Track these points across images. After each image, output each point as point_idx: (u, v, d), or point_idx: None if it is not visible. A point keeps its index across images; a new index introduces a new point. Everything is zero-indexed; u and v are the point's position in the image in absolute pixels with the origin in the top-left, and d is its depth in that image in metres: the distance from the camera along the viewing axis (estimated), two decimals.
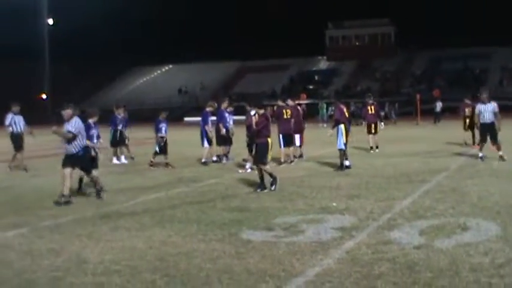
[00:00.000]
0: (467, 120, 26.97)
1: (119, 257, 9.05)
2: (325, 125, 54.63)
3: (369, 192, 14.44)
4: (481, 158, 20.13)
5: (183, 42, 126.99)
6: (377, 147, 25.64)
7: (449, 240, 9.37)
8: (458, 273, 7.70)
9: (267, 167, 15.40)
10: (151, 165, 21.44)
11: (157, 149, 21.58)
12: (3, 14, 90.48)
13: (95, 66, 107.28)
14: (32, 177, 20.30)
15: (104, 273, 8.25)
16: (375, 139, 25.87)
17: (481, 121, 20.27)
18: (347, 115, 19.63)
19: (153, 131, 22.09)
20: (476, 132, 22.70)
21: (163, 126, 21.72)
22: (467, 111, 27.14)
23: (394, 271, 7.86)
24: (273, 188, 15.04)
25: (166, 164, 21.48)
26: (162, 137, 21.52)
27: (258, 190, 15.02)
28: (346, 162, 19.17)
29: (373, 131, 25.82)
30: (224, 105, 22.92)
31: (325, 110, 65.03)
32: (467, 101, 28.03)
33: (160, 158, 21.77)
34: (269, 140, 15.48)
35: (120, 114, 24.63)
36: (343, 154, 19.28)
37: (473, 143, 24.92)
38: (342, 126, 19.11)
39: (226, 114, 22.66)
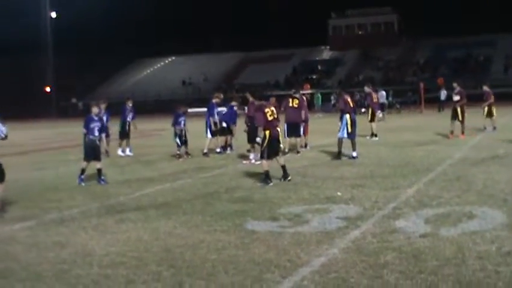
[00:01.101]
0: (487, 108, 28.51)
1: (125, 249, 9.06)
2: (320, 115, 54.69)
3: (374, 181, 14.44)
4: None
5: (186, 34, 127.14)
6: (376, 135, 25.94)
7: (455, 228, 9.36)
8: (465, 261, 7.69)
9: (263, 162, 14.91)
10: (179, 158, 21.36)
11: (178, 141, 21.52)
12: (6, 7, 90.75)
13: (98, 58, 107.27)
14: (36, 170, 20.31)
15: (109, 265, 8.26)
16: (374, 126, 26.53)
17: None
18: (351, 105, 19.55)
19: (172, 123, 21.94)
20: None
21: (182, 119, 21.68)
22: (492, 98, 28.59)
23: (400, 260, 7.85)
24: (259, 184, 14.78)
25: (187, 154, 21.62)
26: (181, 130, 21.49)
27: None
28: (354, 153, 19.11)
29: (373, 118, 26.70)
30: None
31: (320, 100, 65.24)
32: (488, 89, 29.09)
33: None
34: (267, 132, 14.90)
35: (129, 105, 24.48)
36: (341, 143, 19.27)
37: (451, 132, 25.13)
38: (347, 115, 19.06)
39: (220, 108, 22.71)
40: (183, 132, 21.55)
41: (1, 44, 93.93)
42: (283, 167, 15.03)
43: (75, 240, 9.78)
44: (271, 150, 14.83)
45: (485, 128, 28.07)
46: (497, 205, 11.01)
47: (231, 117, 22.58)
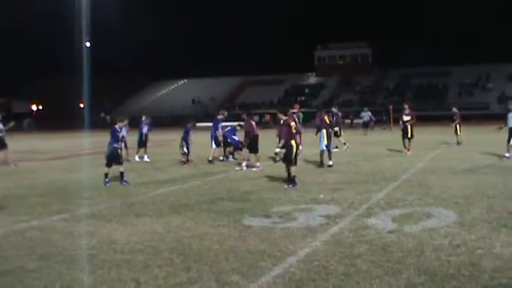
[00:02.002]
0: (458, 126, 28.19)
1: (143, 238, 9.08)
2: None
3: (351, 186, 14.45)
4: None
5: (197, 61, 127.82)
6: (337, 147, 25.66)
7: (416, 225, 9.40)
8: (423, 252, 7.74)
9: (292, 168, 14.75)
10: (184, 164, 21.28)
11: (185, 150, 21.37)
12: (52, 35, 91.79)
13: (123, 80, 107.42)
14: (70, 172, 20.30)
15: (130, 251, 8.28)
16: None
17: (510, 125, 20.18)
18: (328, 122, 19.60)
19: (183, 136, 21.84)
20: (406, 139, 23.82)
21: (190, 132, 21.64)
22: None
23: (371, 251, 7.89)
24: (290, 186, 14.52)
25: (188, 161, 21.43)
26: (187, 141, 21.45)
27: (289, 186, 14.54)
28: (330, 162, 19.15)
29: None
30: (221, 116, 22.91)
31: (301, 118, 64.82)
32: (456, 110, 28.90)
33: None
34: (293, 142, 14.81)
35: (145, 120, 24.50)
36: (322, 154, 19.29)
37: (405, 147, 23.91)
38: (323, 131, 19.16)
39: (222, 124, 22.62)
40: (189, 142, 21.55)
41: (45, 68, 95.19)
42: (289, 174, 14.84)
43: (102, 230, 9.80)
44: (296, 158, 14.84)
45: (459, 143, 27.80)
46: (450, 206, 11.06)
47: (232, 133, 22.46)
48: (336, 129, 24.96)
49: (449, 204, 11.32)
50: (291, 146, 14.77)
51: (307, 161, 20.65)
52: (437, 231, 8.95)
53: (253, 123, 20.04)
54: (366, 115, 49.56)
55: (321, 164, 19.21)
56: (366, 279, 6.73)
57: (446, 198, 12.12)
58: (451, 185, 13.98)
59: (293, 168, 14.73)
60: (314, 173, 17.66)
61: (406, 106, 24.85)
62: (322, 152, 19.35)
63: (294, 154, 14.75)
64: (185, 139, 21.42)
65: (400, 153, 23.43)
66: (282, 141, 15.34)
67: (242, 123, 21.15)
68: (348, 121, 58.91)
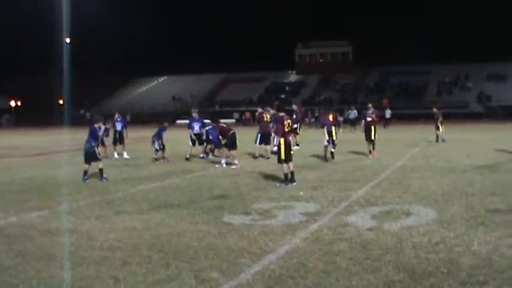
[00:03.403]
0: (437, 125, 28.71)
1: (121, 235, 9.03)
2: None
3: (330, 183, 14.48)
4: None
5: (176, 57, 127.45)
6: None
7: (396, 223, 9.44)
8: (403, 250, 7.77)
9: (283, 165, 14.57)
10: (156, 161, 21.27)
11: (157, 147, 21.45)
12: (32, 33, 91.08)
13: (102, 77, 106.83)
14: (49, 169, 20.14)
15: (109, 249, 8.23)
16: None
17: None
18: (331, 119, 20.69)
19: (154, 135, 21.79)
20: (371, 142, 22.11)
21: (163, 133, 21.68)
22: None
23: (350, 249, 7.90)
24: (278, 185, 14.45)
25: (164, 158, 21.46)
26: (160, 140, 21.49)
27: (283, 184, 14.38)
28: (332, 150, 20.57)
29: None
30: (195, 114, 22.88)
31: None
32: (436, 110, 29.64)
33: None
34: (281, 140, 14.65)
35: (118, 118, 24.75)
36: (326, 149, 20.60)
37: (370, 151, 21.91)
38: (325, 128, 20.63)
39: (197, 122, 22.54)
40: (161, 141, 21.56)
41: (25, 65, 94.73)
42: (292, 173, 14.55)
43: (81, 227, 9.74)
44: (286, 155, 14.47)
45: (443, 140, 28.23)
46: (430, 204, 11.12)
47: (213, 131, 22.37)
48: (295, 126, 24.83)
49: (428, 202, 11.38)
50: (279, 143, 14.71)
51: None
52: (416, 228, 8.99)
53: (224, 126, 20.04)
54: (353, 113, 50.08)
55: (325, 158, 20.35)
56: (345, 276, 6.74)
57: (426, 196, 12.19)
58: (430, 183, 14.07)
59: (290, 165, 14.52)
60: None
61: (370, 105, 23.15)
62: (325, 147, 20.45)
63: (285, 151, 14.47)
64: (156, 137, 21.50)
65: (381, 152, 23.40)
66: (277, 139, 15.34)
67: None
68: (308, 119, 59.68)
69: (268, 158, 21.00)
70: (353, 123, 47.27)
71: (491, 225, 9.13)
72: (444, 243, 8.06)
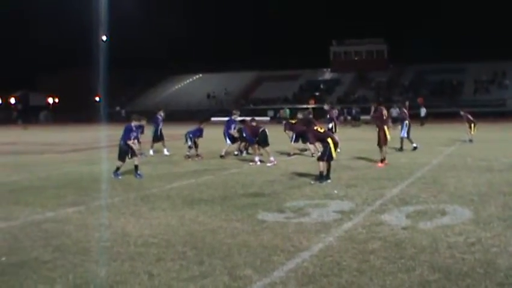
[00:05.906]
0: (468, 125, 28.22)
1: (156, 232, 9.09)
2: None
3: (365, 182, 14.38)
4: None
5: (212, 55, 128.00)
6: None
7: (431, 222, 9.33)
8: (438, 249, 7.68)
9: (320, 163, 14.55)
10: (188, 158, 21.35)
11: (190, 144, 21.56)
12: (70, 30, 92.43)
13: (138, 75, 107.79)
14: (85, 165, 20.37)
15: (143, 244, 8.29)
16: None
17: None
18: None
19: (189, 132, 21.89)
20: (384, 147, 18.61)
21: (198, 132, 21.84)
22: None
23: (384, 248, 7.84)
24: (312, 182, 14.40)
25: (197, 156, 21.49)
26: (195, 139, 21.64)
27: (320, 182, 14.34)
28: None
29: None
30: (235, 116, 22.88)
31: (288, 114, 63.97)
32: (462, 113, 29.25)
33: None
34: (329, 140, 14.57)
35: (161, 115, 24.64)
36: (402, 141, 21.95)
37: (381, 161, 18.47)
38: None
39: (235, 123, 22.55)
40: (194, 139, 21.63)
41: (64, 62, 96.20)
42: (328, 170, 14.56)
43: (116, 223, 9.83)
44: (330, 154, 14.48)
45: (470, 141, 27.63)
46: (466, 204, 10.96)
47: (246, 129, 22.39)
48: (330, 125, 24.66)
49: (464, 202, 11.22)
50: (327, 143, 14.56)
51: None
52: (451, 228, 8.88)
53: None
54: (395, 111, 49.66)
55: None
56: (379, 275, 6.68)
57: (461, 195, 12.03)
58: (466, 182, 13.88)
59: (323, 164, 14.50)
60: None
61: (375, 105, 21.00)
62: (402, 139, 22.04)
63: (328, 150, 14.45)
64: (190, 136, 21.59)
65: (416, 150, 23.22)
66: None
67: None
68: (342, 118, 59.10)
69: (312, 154, 20.68)
70: (396, 121, 46.81)
71: None
72: (480, 244, 7.94)
